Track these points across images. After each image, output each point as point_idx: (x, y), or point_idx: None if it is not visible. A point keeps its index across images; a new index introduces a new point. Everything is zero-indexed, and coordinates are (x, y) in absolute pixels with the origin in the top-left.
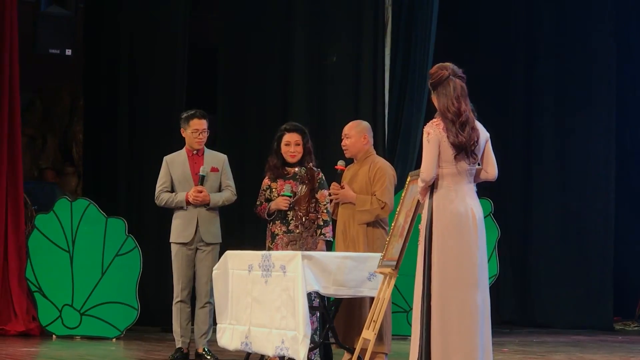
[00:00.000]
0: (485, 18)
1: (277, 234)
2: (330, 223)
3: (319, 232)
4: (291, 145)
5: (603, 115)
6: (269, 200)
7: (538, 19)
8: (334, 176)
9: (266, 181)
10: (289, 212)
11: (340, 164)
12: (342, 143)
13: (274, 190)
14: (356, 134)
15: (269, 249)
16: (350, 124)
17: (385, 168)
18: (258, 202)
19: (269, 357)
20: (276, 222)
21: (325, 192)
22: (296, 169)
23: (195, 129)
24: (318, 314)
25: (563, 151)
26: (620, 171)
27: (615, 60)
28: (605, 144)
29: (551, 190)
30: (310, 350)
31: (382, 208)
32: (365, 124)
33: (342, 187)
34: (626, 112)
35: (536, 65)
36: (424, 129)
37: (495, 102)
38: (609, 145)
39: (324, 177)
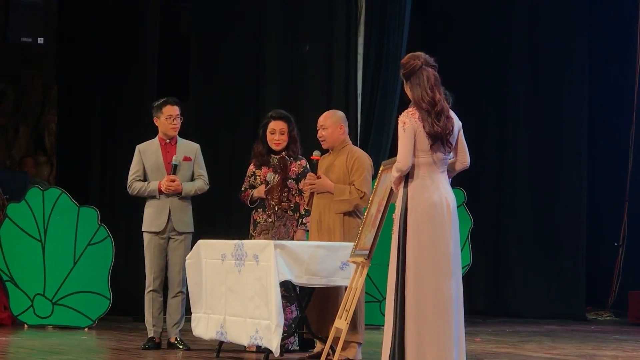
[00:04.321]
0: (458, 6)
1: (259, 222)
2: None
3: (300, 221)
4: (276, 133)
5: (575, 106)
6: (253, 187)
7: (512, 4)
8: (310, 166)
9: (251, 168)
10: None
11: (316, 154)
12: (319, 134)
13: (257, 177)
14: (332, 124)
15: (251, 236)
16: (325, 114)
17: (363, 158)
18: (243, 188)
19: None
20: (258, 210)
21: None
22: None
23: (169, 115)
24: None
25: (535, 142)
26: (592, 162)
27: (587, 38)
28: (576, 136)
29: (523, 181)
30: (284, 339)
31: (361, 198)
32: (340, 114)
33: (318, 177)
34: (598, 101)
35: (510, 55)
36: (399, 119)
37: (468, 92)
38: (580, 137)
39: (308, 166)
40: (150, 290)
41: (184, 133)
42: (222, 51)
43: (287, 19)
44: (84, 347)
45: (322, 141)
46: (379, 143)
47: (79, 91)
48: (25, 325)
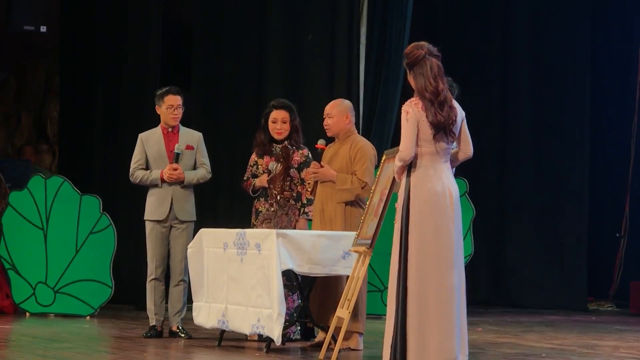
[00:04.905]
0: None
1: (261, 211)
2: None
3: (302, 210)
4: (278, 122)
5: (577, 97)
6: (255, 176)
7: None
8: (314, 155)
9: (253, 157)
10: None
11: (321, 142)
12: (324, 122)
13: (260, 166)
14: (338, 113)
15: (253, 225)
16: (331, 103)
17: (366, 148)
18: (245, 178)
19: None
20: (260, 199)
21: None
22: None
23: (170, 105)
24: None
25: (538, 132)
26: (594, 152)
27: (590, 28)
28: (579, 126)
29: (526, 172)
30: (286, 328)
31: (363, 188)
32: (347, 103)
33: (321, 167)
34: (600, 91)
35: (513, 46)
36: (403, 108)
37: (470, 82)
38: (583, 128)
39: (310, 155)
40: (152, 279)
41: (186, 122)
42: (224, 40)
43: (290, 7)
44: (85, 335)
45: (327, 129)
46: (381, 132)
47: (81, 80)
48: (27, 314)
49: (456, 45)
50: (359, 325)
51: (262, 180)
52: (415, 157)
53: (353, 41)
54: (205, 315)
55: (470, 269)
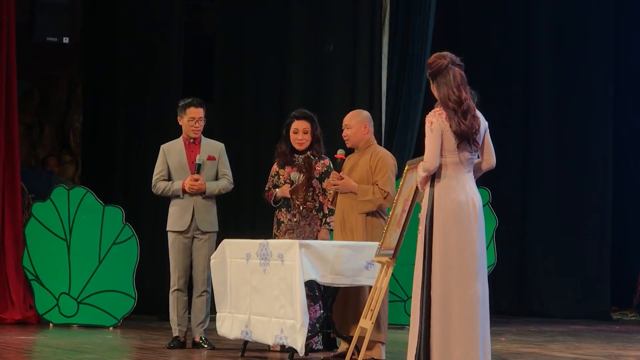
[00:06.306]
0: (483, 5)
1: (282, 222)
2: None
3: (323, 220)
4: (299, 132)
5: (600, 105)
6: (277, 186)
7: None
8: (335, 165)
9: (275, 167)
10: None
11: (340, 152)
12: (343, 133)
13: (281, 176)
14: (356, 124)
15: (275, 236)
16: (350, 114)
17: (386, 158)
18: (266, 188)
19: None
20: (282, 209)
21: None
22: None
23: (192, 117)
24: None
25: (561, 141)
26: (617, 161)
27: (613, 41)
28: (602, 134)
29: (548, 180)
30: (309, 338)
31: (385, 198)
32: (365, 114)
33: (341, 178)
34: (623, 100)
35: (536, 55)
36: (427, 118)
37: (494, 90)
38: (606, 136)
39: (331, 165)
40: (175, 290)
41: (208, 132)
42: (246, 51)
43: (312, 18)
44: (109, 346)
45: (346, 140)
46: (403, 143)
47: (104, 91)
48: (51, 324)
49: (478, 55)
50: (382, 335)
51: (283, 191)
52: (439, 167)
53: (375, 51)
54: (228, 326)
55: (493, 278)
